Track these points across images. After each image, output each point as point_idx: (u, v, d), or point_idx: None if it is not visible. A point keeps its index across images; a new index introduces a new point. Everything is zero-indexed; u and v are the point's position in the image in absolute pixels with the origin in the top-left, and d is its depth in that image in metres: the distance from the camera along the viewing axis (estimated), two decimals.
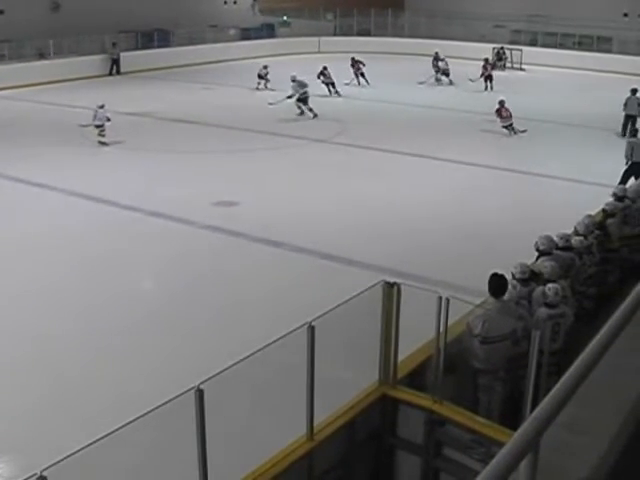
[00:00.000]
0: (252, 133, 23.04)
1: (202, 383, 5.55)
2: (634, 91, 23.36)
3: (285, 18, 45.86)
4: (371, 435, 7.59)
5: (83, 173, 18.78)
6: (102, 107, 21.12)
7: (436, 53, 34.78)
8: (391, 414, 7.60)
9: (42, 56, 35.37)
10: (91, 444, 5.06)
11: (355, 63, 32.96)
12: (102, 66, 36.02)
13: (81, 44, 35.91)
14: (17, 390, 9.06)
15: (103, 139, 21.05)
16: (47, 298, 11.68)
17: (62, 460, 4.88)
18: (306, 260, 13.09)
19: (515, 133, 22.96)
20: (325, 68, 30.14)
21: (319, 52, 42.86)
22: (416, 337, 7.80)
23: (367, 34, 45.96)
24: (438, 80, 33.96)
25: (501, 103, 23.11)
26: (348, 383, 7.61)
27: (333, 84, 30.16)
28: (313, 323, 6.40)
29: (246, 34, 43.74)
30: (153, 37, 39.18)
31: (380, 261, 12.62)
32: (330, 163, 19.86)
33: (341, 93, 30.27)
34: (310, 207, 15.90)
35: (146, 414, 5.37)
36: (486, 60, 33.79)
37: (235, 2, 45.49)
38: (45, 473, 4.78)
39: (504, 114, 22.98)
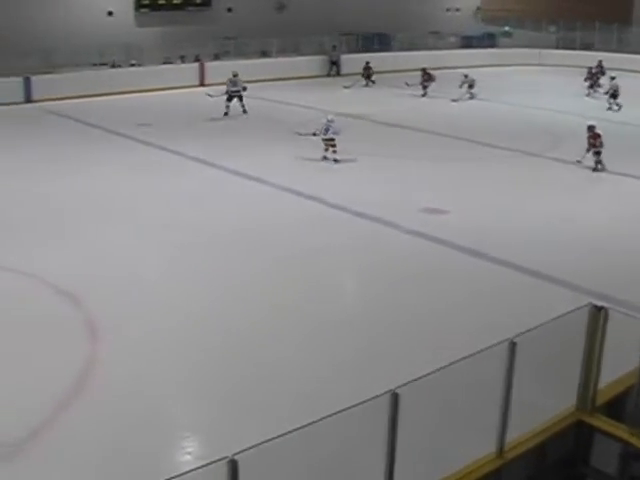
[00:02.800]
0: (464, 142, 22.86)
1: (397, 388, 5.58)
2: None
3: (507, 28, 45.23)
4: (562, 460, 7.39)
5: (292, 170, 19.26)
6: (332, 121, 19.79)
7: None
8: (585, 441, 7.37)
9: (265, 54, 36.66)
10: (281, 435, 5.20)
11: None
12: (322, 67, 36.87)
13: (303, 44, 36.94)
14: (215, 375, 9.36)
15: (335, 155, 19.72)
16: (245, 290, 12.00)
17: (253, 447, 5.03)
18: (510, 274, 12.82)
19: None
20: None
21: (539, 64, 41.99)
22: (618, 365, 7.52)
23: (590, 48, 44.56)
24: None
25: None
26: (543, 405, 7.40)
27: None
28: (515, 340, 6.29)
29: (466, 42, 43.49)
30: (373, 40, 39.68)
31: (587, 282, 12.18)
32: (540, 178, 19.36)
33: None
34: (518, 221, 15.55)
35: (338, 412, 5.46)
36: None
37: (458, 10, 45.34)
38: (236, 458, 4.95)
39: None
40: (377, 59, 37.63)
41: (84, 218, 15.31)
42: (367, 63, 35.15)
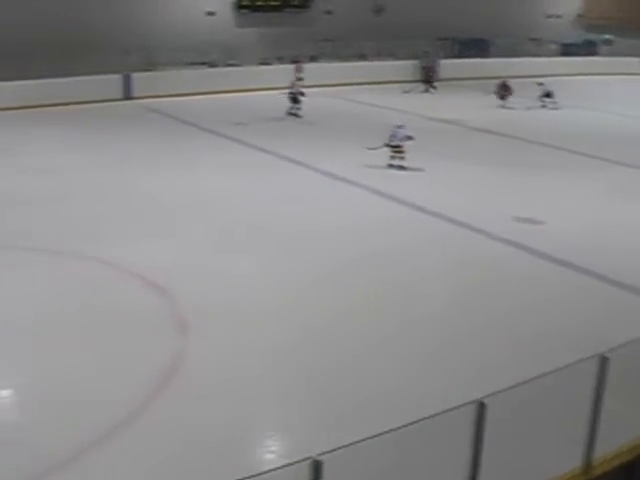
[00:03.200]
0: (562, 152, 22.51)
1: (485, 398, 5.56)
2: None
3: (608, 36, 44.26)
4: None
5: (383, 172, 19.22)
6: (401, 127, 19.38)
7: None
8: None
9: (362, 57, 36.73)
10: (367, 439, 5.22)
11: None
12: (417, 72, 36.72)
13: (400, 48, 36.84)
14: (303, 373, 9.41)
15: (400, 162, 19.21)
16: (336, 287, 12.05)
17: (339, 449, 5.07)
18: (605, 290, 12.53)
19: None
20: None
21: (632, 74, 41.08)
22: None
23: None
24: None
25: None
26: (633, 421, 7.26)
27: None
28: (606, 354, 6.20)
29: (566, 50, 42.71)
30: (471, 46, 39.33)
31: None
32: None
33: None
34: (616, 238, 15.14)
35: (423, 420, 5.47)
36: None
37: (559, 16, 44.58)
38: (321, 458, 4.99)
39: None
40: (474, 65, 37.43)
41: (181, 214, 15.66)
42: (426, 68, 35.07)
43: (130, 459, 7.49)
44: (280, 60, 35.12)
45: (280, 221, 15.18)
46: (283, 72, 32.81)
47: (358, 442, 5.20)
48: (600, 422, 6.52)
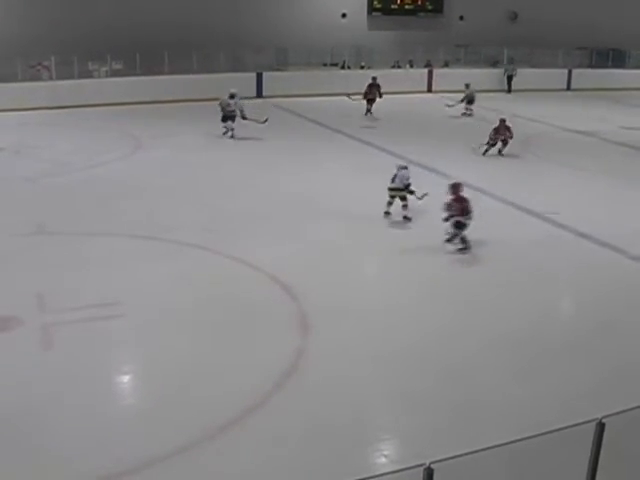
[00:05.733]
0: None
1: (604, 418, 5.45)
2: None
3: None
4: None
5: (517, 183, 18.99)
6: (403, 167, 15.36)
7: None
8: None
9: (496, 64, 36.38)
10: (481, 450, 5.17)
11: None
12: (557, 80, 36.21)
13: (535, 56, 36.30)
14: (417, 377, 9.35)
15: (405, 211, 15.24)
16: (453, 296, 11.96)
17: (452, 458, 5.03)
18: None
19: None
20: None
21: None
22: None
23: None
24: None
25: None
26: None
27: None
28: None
29: None
30: (608, 56, 38.41)
31: None
32: None
33: None
34: None
35: (543, 434, 5.38)
36: None
37: None
38: (433, 466, 4.97)
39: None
40: (609, 75, 36.54)
41: (312, 212, 15.84)
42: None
43: (246, 452, 7.66)
44: (411, 64, 35.11)
45: (405, 224, 15.14)
46: (415, 76, 32.82)
47: (471, 453, 5.15)
48: None
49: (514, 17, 38.56)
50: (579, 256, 13.97)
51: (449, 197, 13.70)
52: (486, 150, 21.05)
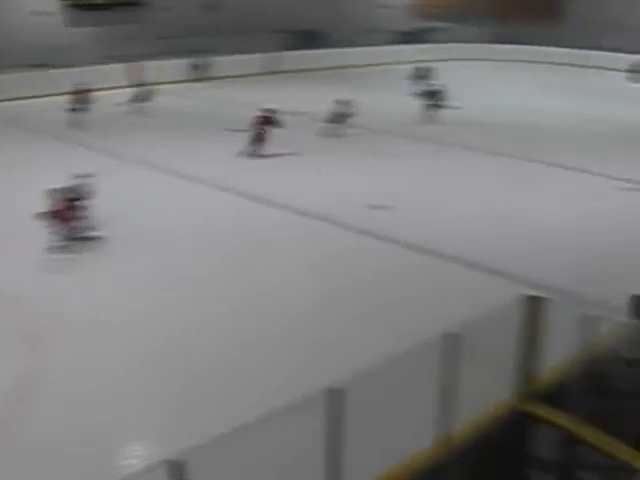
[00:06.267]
0: (401, 138, 23.03)
1: (340, 384, 5.59)
2: None
3: (441, 23, 45.51)
4: (503, 450, 7.47)
5: (232, 169, 19.21)
6: (82, 176, 13.45)
7: None
8: (525, 430, 7.46)
9: (200, 54, 36.31)
10: (227, 436, 5.17)
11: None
12: (263, 64, 37.01)
13: (240, 43, 36.63)
14: (153, 378, 9.35)
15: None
16: (193, 289, 12.02)
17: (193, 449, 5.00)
18: (451, 268, 12.97)
19: None
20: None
21: (475, 59, 42.48)
22: (556, 353, 7.63)
23: (522, 42, 45.13)
24: None
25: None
26: (484, 394, 7.49)
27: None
28: (452, 332, 6.35)
29: (402, 38, 43.71)
30: (310, 38, 39.63)
31: (526, 274, 12.37)
32: (486, 172, 19.60)
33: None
34: (465, 216, 15.71)
35: (280, 412, 5.45)
36: None
37: (392, 6, 45.47)
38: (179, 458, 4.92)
39: None
40: (313, 56, 37.82)
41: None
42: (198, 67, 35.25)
43: None
44: (115, 59, 34.27)
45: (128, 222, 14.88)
46: (117, 71, 32.17)
47: (214, 441, 5.13)
48: (455, 396, 6.67)
49: (211, 6, 38.64)
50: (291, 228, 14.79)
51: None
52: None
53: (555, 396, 7.53)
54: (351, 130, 22.94)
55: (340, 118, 22.70)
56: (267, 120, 20.62)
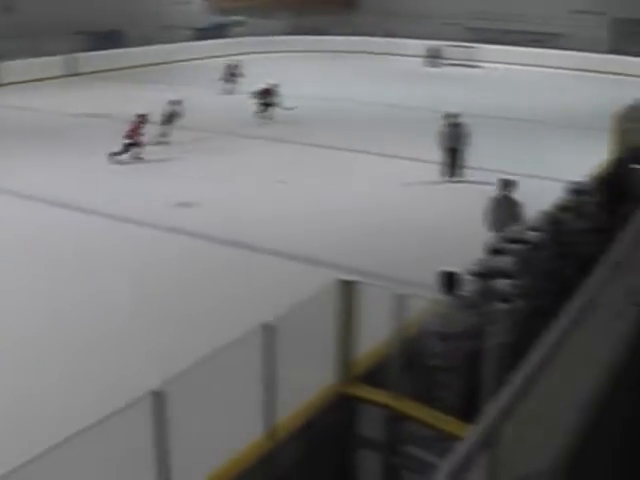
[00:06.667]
0: (210, 134, 22.92)
1: (161, 385, 5.49)
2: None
3: (239, 17, 45.61)
4: (330, 434, 7.56)
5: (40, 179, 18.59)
6: None
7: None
8: (349, 412, 7.58)
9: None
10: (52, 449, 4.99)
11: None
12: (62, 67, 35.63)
13: (40, 45, 35.30)
14: None
15: None
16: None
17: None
18: (266, 260, 13.05)
19: None
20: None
21: (274, 52, 42.80)
22: (374, 335, 7.79)
23: (321, 33, 45.97)
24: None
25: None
26: (306, 383, 7.56)
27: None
28: (270, 323, 6.37)
29: (200, 34, 43.49)
30: (109, 38, 38.73)
31: (338, 260, 12.61)
32: (287, 163, 19.83)
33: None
34: (270, 208, 15.85)
35: (103, 419, 5.30)
36: None
37: (188, 2, 45.17)
38: None
39: None
40: (112, 56, 37.01)
41: None
42: None
43: None
44: None
45: None
46: None
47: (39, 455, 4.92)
48: (276, 388, 6.69)
49: (8, 8, 37.08)
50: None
51: None
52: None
53: (376, 376, 7.69)
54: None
55: (170, 119, 22.13)
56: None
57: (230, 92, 30.31)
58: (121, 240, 14.36)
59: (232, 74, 31.24)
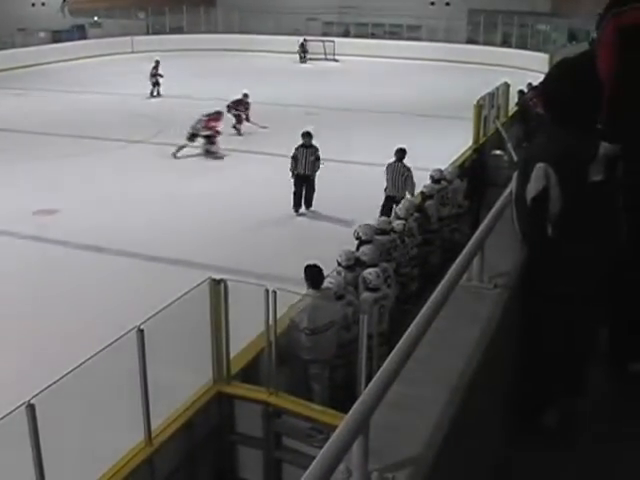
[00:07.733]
0: (68, 138, 22.42)
1: (32, 398, 5.38)
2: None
3: (96, 19, 44.72)
4: (210, 434, 7.57)
5: None
6: None
7: None
8: (228, 411, 7.60)
9: None
10: None
11: None
12: None
13: None
14: None
15: None
16: None
17: None
18: (131, 263, 12.93)
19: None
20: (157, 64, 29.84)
21: (133, 52, 42.19)
22: (247, 332, 7.83)
23: (180, 32, 45.58)
24: None
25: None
26: (183, 384, 7.54)
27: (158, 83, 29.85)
28: (142, 326, 6.31)
29: (57, 36, 42.35)
30: None
31: (208, 259, 12.59)
32: (150, 164, 19.65)
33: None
34: (134, 210, 15.67)
35: None
36: None
37: (43, 4, 43.99)
38: None
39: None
40: None
41: None
42: None
43: None
44: None
45: None
46: None
47: None
48: (151, 391, 6.64)
49: None
50: None
51: None
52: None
53: (252, 373, 7.74)
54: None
55: None
56: None
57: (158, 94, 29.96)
58: None
59: (153, 75, 30.36)
